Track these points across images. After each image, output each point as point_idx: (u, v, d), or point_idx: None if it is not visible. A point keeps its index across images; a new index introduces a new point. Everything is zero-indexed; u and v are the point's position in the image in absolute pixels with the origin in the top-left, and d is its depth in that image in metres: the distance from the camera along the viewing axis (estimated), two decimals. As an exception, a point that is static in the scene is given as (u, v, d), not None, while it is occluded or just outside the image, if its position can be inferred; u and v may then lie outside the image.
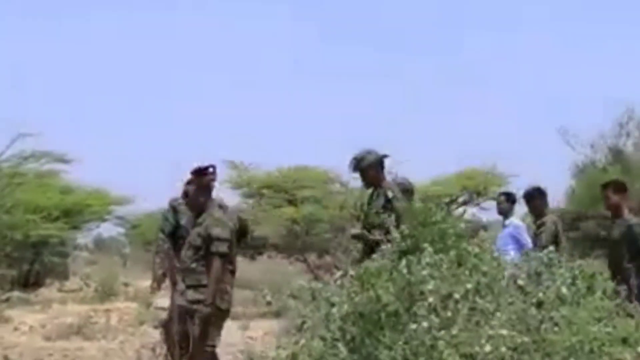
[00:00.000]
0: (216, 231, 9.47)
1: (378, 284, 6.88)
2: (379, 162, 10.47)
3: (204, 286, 9.33)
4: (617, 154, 21.51)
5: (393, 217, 9.46)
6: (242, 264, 21.03)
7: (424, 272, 6.75)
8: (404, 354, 6.51)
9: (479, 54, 51.36)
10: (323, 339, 6.94)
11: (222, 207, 10.49)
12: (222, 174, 28.30)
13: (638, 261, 10.24)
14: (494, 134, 42.19)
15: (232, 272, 10.00)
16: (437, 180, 27.33)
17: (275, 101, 50.24)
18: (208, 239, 9.43)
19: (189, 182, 10.55)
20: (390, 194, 10.24)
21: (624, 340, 6.57)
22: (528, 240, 13.36)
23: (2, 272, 22.44)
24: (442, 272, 6.84)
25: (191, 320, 9.27)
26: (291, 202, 26.82)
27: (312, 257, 26.05)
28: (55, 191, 25.20)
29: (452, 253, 6.97)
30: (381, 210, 10.00)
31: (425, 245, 7.05)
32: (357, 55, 52.78)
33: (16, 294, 21.32)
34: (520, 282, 6.81)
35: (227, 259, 9.63)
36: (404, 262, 6.95)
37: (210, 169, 10.68)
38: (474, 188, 27.74)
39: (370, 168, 10.35)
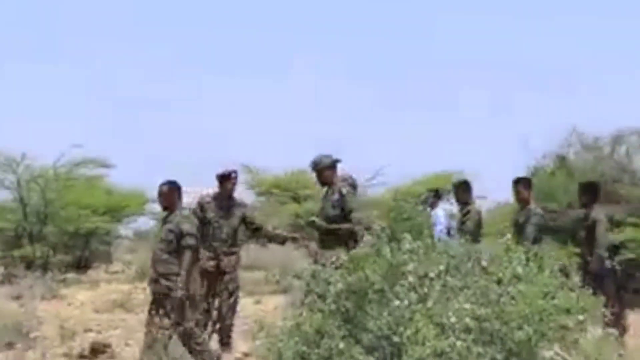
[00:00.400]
0: (186, 227, 9.35)
1: (366, 266, 6.88)
2: (333, 165, 10.37)
3: (175, 274, 9.21)
4: (562, 161, 21.53)
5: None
6: (255, 250, 21.11)
7: (404, 257, 6.76)
8: (388, 323, 6.52)
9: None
10: (321, 311, 6.93)
11: (241, 204, 10.52)
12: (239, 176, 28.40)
13: (536, 242, 10.34)
14: (466, 141, 41.77)
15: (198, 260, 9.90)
16: (417, 181, 27.35)
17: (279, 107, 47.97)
18: (179, 234, 9.30)
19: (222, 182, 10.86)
20: (344, 191, 10.18)
21: (568, 311, 6.57)
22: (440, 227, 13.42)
23: (60, 257, 22.47)
24: (419, 256, 6.85)
25: (163, 305, 9.20)
26: (295, 200, 27.28)
27: (312, 245, 25.92)
28: (100, 191, 25.33)
29: (427, 241, 6.96)
30: (336, 203, 10.16)
31: (405, 235, 7.04)
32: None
33: (70, 275, 21.33)
34: (483, 263, 6.80)
35: (196, 251, 9.54)
36: (387, 248, 6.96)
37: (233, 174, 11.01)
38: (446, 187, 27.82)
39: (325, 169, 10.26)
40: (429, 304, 6.46)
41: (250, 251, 23.17)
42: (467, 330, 6.28)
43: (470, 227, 12.25)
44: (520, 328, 6.31)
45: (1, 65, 47.49)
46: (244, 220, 11.39)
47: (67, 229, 23.53)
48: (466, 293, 6.53)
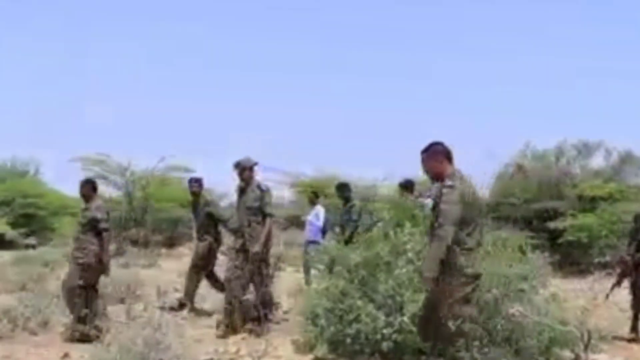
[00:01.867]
0: (99, 214, 8.82)
1: (377, 245, 6.84)
2: (252, 167, 9.33)
3: (85, 249, 8.73)
4: (520, 167, 21.44)
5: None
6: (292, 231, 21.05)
7: (405, 238, 6.71)
8: (393, 287, 6.48)
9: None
10: (344, 278, 6.90)
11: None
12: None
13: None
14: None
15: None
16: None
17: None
18: (94, 220, 8.78)
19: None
20: (264, 187, 9.31)
21: (524, 278, 6.51)
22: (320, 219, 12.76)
23: (156, 237, 22.70)
24: (416, 237, 6.80)
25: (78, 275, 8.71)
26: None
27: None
28: (184, 189, 25.55)
29: (422, 227, 6.92)
30: (257, 197, 9.19)
31: (406, 222, 7.00)
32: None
33: (163, 250, 21.59)
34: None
35: (108, 233, 8.95)
36: (392, 231, 6.93)
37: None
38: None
39: (245, 170, 9.27)
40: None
41: (289, 233, 23.33)
42: (451, 292, 6.24)
43: (355, 216, 11.36)
44: (489, 291, 6.26)
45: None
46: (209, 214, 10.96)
47: (161, 217, 23.93)
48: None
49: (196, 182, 11.12)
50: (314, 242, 12.66)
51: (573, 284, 12.07)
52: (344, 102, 46.33)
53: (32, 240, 22.88)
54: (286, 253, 19.46)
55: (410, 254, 6.63)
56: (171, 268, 16.52)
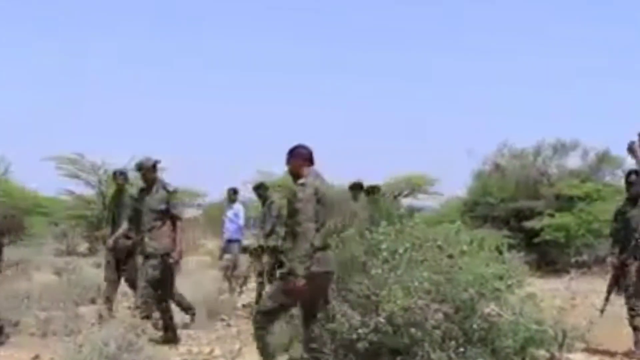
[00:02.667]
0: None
1: (352, 245, 6.85)
2: (154, 166, 8.77)
3: None
4: (497, 166, 21.57)
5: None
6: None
7: (380, 237, 6.72)
8: (368, 287, 6.49)
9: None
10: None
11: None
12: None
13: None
14: (426, 151, 41.72)
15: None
16: (388, 182, 27.23)
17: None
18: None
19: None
20: (170, 188, 8.68)
21: (500, 278, 6.54)
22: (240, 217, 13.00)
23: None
24: (391, 236, 6.82)
25: None
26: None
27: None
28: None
29: (397, 226, 6.93)
30: (163, 198, 8.53)
31: (381, 221, 7.01)
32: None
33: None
34: (439, 242, 6.75)
35: None
36: (367, 231, 6.94)
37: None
38: (412, 186, 27.77)
39: (147, 171, 8.67)
40: (399, 272, 6.43)
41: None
42: (427, 292, 6.25)
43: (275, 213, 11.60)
44: (465, 290, 6.28)
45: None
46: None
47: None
48: (426, 264, 6.50)
49: (121, 175, 10.40)
50: (235, 240, 12.87)
51: (550, 283, 12.11)
52: (341, 102, 46.60)
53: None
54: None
55: (385, 254, 6.64)
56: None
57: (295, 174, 6.56)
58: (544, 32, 47.12)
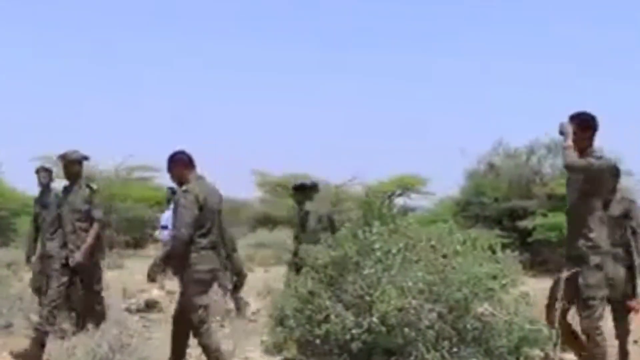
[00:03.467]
0: None
1: (345, 245, 6.86)
2: (81, 160, 8.12)
3: None
4: (491, 166, 21.61)
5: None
6: (262, 233, 21.03)
7: (373, 237, 6.73)
8: (361, 287, 6.50)
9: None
10: (313, 278, 6.91)
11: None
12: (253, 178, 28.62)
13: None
14: (420, 152, 41.68)
15: None
16: (382, 182, 27.32)
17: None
18: None
19: None
20: (94, 186, 8.19)
21: (494, 277, 6.56)
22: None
23: (121, 238, 22.75)
24: (384, 236, 6.83)
25: None
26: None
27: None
28: (151, 189, 25.66)
29: (391, 226, 6.94)
30: (88, 199, 7.96)
31: (375, 221, 7.02)
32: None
33: (129, 251, 21.70)
34: (432, 242, 6.76)
35: None
36: (361, 231, 6.93)
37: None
38: (405, 186, 27.87)
39: (72, 164, 8.05)
40: (392, 272, 6.45)
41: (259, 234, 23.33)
42: (421, 292, 6.27)
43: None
44: (459, 290, 6.30)
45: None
46: None
47: (127, 217, 23.85)
48: (419, 264, 6.51)
49: (45, 172, 9.41)
50: None
51: (543, 282, 12.09)
52: (338, 102, 46.59)
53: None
54: (255, 253, 19.48)
55: (378, 253, 6.65)
56: (138, 269, 16.46)
57: (179, 180, 6.85)
58: (538, 31, 47.12)
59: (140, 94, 46.36)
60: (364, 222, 7.04)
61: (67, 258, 7.93)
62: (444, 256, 6.63)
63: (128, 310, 10.39)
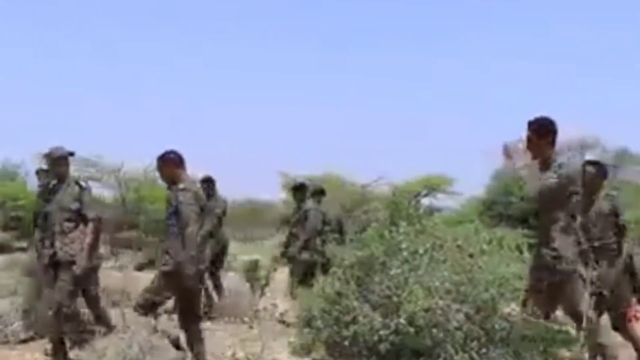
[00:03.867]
0: None
1: (372, 245, 6.87)
2: (66, 157, 7.62)
3: None
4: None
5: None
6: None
7: (400, 237, 6.73)
8: (389, 287, 6.51)
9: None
10: (339, 278, 6.92)
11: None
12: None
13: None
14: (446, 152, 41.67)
15: None
16: (409, 182, 27.25)
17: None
18: None
19: None
20: (83, 184, 7.64)
21: (520, 277, 6.54)
22: None
23: (150, 239, 22.71)
24: (411, 236, 6.82)
25: None
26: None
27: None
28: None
29: (417, 226, 6.94)
30: (77, 197, 7.49)
31: (402, 221, 7.02)
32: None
33: (158, 253, 21.66)
34: (459, 242, 6.75)
35: None
36: (387, 231, 6.93)
37: None
38: (431, 186, 27.82)
39: (58, 161, 7.57)
40: (419, 272, 6.45)
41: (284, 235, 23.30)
42: (448, 292, 6.27)
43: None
44: (486, 290, 6.29)
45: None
46: None
47: (155, 218, 23.85)
48: (446, 264, 6.51)
49: (45, 173, 9.32)
50: None
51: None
52: (346, 102, 46.61)
53: (23, 244, 22.86)
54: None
55: (405, 254, 6.66)
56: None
57: (171, 180, 7.03)
58: (537, 31, 46.95)
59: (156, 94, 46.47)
60: (391, 222, 7.04)
61: (51, 256, 7.49)
62: (471, 255, 6.62)
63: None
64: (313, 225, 11.12)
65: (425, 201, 27.08)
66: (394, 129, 45.06)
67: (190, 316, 6.95)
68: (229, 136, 44.03)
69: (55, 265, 7.47)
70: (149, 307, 6.87)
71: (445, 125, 43.17)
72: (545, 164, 6.33)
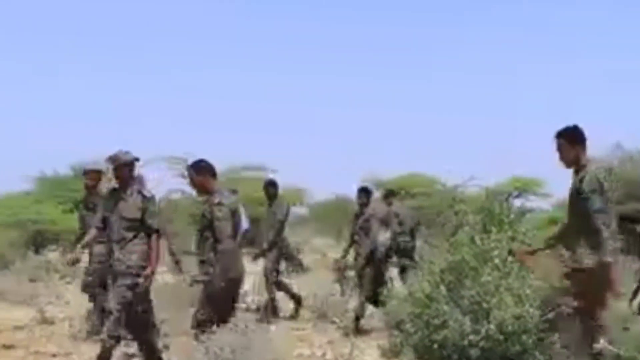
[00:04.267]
0: None
1: (463, 250, 6.86)
2: (132, 163, 7.13)
3: None
4: (610, 170, 21.04)
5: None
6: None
7: (492, 244, 6.71)
8: (479, 293, 6.50)
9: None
10: (429, 282, 6.93)
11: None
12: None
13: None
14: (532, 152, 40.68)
15: None
16: (499, 183, 26.87)
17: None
18: None
19: None
20: (147, 194, 7.08)
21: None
22: None
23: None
24: (502, 243, 6.79)
25: None
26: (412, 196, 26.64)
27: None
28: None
29: (509, 233, 6.90)
30: (140, 205, 6.99)
31: (492, 228, 6.99)
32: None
33: (243, 250, 21.94)
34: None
35: None
36: (479, 237, 6.91)
37: None
38: (522, 188, 27.49)
39: (123, 166, 7.09)
40: (510, 279, 6.44)
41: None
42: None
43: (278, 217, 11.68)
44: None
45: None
46: None
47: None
48: (537, 271, 6.47)
49: (88, 174, 8.97)
50: None
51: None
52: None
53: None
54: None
55: (496, 261, 6.63)
56: (251, 269, 16.69)
57: (203, 189, 7.06)
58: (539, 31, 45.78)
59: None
60: (483, 229, 7.01)
61: (110, 266, 7.19)
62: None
63: (247, 309, 10.60)
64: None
65: (516, 202, 26.71)
66: (482, 131, 44.35)
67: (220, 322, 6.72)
68: (324, 138, 44.16)
69: (114, 275, 7.09)
70: (205, 323, 6.77)
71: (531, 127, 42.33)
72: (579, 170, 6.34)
